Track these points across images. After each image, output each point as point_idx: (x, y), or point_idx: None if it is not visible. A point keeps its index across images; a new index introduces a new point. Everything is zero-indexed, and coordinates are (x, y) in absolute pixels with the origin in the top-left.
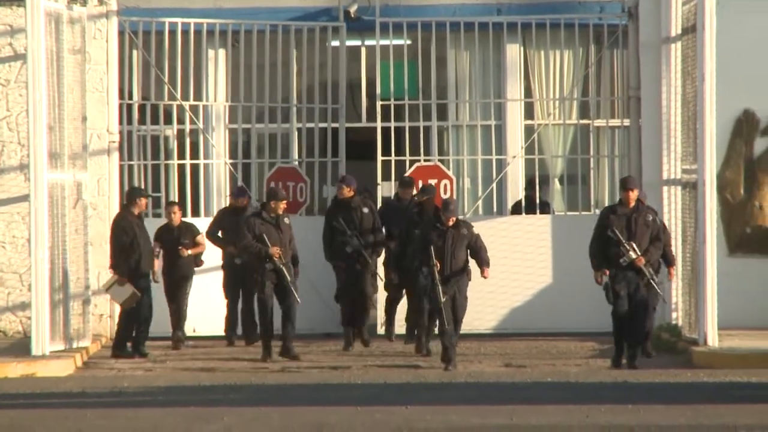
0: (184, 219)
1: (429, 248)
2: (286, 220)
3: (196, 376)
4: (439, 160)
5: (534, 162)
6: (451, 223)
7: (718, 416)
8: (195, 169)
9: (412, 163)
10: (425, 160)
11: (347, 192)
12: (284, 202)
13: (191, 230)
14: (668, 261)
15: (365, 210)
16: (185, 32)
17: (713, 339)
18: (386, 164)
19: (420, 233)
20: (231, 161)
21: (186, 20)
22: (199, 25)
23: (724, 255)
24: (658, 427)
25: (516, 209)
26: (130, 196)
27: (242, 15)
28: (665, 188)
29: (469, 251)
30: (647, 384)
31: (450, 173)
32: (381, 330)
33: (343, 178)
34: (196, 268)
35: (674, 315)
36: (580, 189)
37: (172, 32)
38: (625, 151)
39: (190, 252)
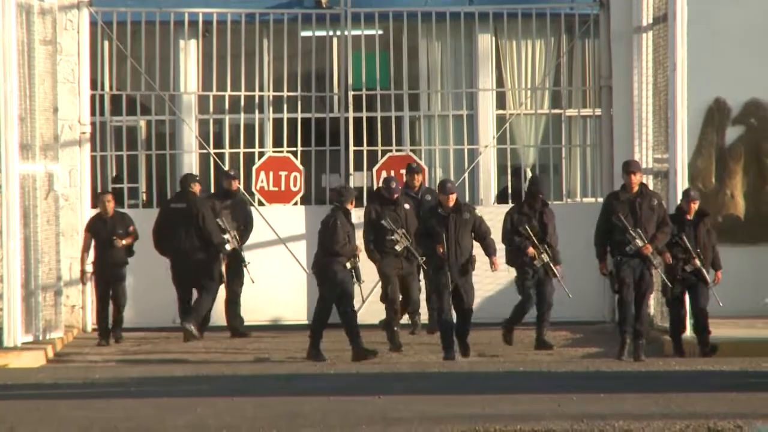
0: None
1: (435, 234)
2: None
3: (169, 367)
4: (411, 151)
5: (506, 152)
6: (451, 204)
7: (690, 405)
8: (163, 159)
9: (384, 153)
10: (397, 151)
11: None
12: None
13: (125, 220)
14: (716, 265)
15: (407, 207)
16: (157, 23)
17: (688, 328)
18: (358, 154)
19: (420, 222)
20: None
21: (158, 10)
22: (170, 15)
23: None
24: (630, 415)
25: (502, 198)
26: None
27: (214, 5)
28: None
29: (474, 235)
30: (619, 373)
31: (422, 163)
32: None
33: (389, 179)
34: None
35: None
36: (552, 179)
37: (145, 23)
38: (597, 140)
39: (124, 242)
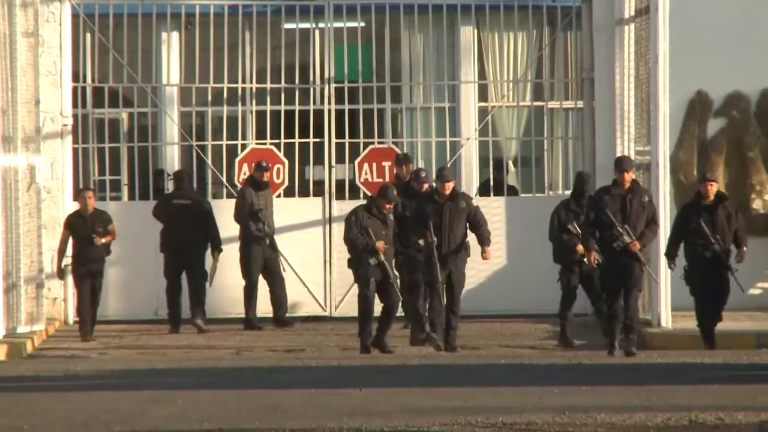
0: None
1: (426, 222)
2: (391, 217)
3: (150, 359)
4: (393, 143)
5: (488, 144)
6: (448, 191)
7: (671, 397)
8: (146, 151)
9: (366, 145)
10: (379, 143)
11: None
12: (390, 205)
13: (104, 218)
14: (738, 242)
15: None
16: (140, 15)
17: (667, 320)
18: (340, 147)
19: (415, 208)
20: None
21: (140, 2)
22: (152, 7)
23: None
24: (612, 408)
25: (484, 190)
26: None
27: None
28: None
29: (468, 225)
30: (601, 365)
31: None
32: None
33: (419, 170)
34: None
35: None
36: (534, 171)
37: (128, 15)
38: (579, 133)
39: (104, 240)
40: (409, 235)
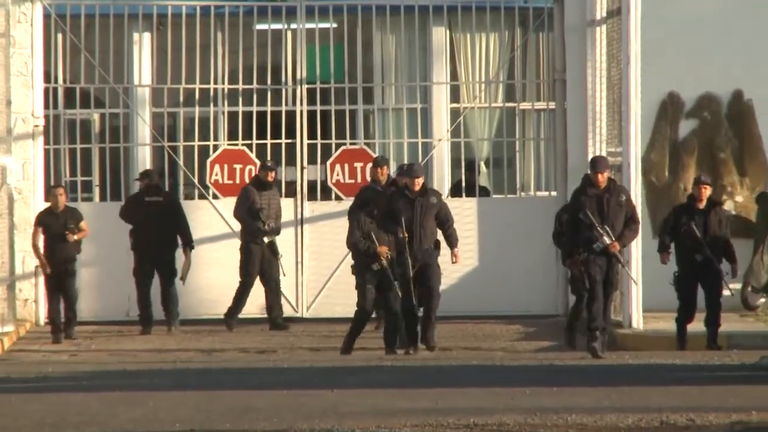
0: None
1: (398, 218)
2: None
3: (122, 361)
4: (365, 144)
5: (460, 145)
6: (418, 188)
7: (643, 398)
8: (117, 152)
9: (338, 146)
10: (351, 144)
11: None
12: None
13: (75, 215)
14: (730, 256)
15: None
16: (111, 16)
17: (638, 321)
18: (312, 148)
19: (386, 204)
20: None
21: (112, 2)
22: (124, 8)
23: (648, 237)
24: (583, 409)
25: (456, 192)
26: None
27: None
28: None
29: (436, 222)
30: (572, 366)
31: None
32: None
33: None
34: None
35: None
36: (506, 172)
37: (99, 16)
38: (551, 134)
39: (76, 237)
40: (380, 231)
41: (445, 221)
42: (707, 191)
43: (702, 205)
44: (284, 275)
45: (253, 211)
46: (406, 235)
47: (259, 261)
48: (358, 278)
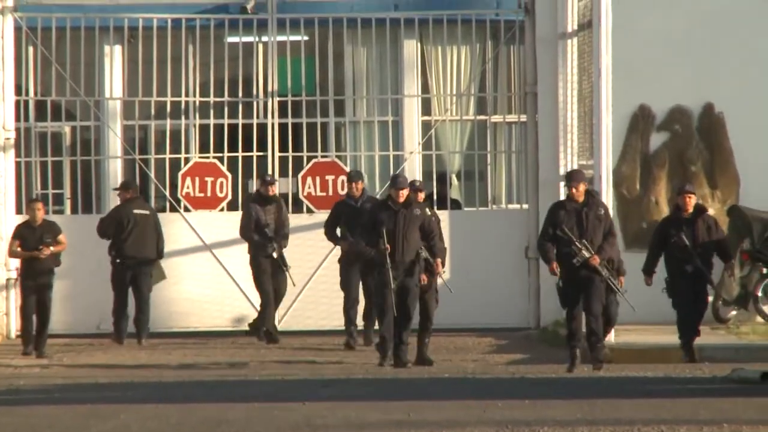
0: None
1: (379, 230)
2: (416, 212)
3: (93, 374)
4: (336, 156)
5: (431, 158)
6: (402, 199)
7: (614, 411)
8: (89, 165)
9: (309, 159)
10: (323, 156)
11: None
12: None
13: (53, 228)
14: (724, 255)
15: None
16: (83, 28)
17: (610, 334)
18: (284, 160)
19: (368, 213)
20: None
21: (83, 15)
22: (95, 21)
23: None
24: (555, 421)
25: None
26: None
27: (140, 10)
28: (562, 184)
29: (420, 234)
30: (544, 379)
31: (347, 169)
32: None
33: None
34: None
35: None
36: (477, 185)
37: (71, 29)
38: (522, 146)
39: (52, 249)
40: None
41: (428, 233)
42: (692, 200)
43: (688, 214)
44: (294, 285)
45: (259, 228)
46: (388, 246)
47: (270, 273)
48: (376, 280)
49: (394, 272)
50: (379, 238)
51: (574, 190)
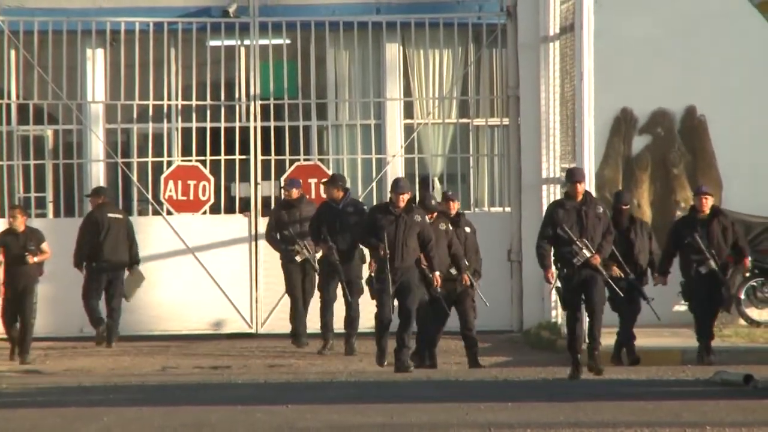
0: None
1: (379, 235)
2: (416, 218)
3: (76, 377)
4: (318, 160)
5: (414, 161)
6: (403, 204)
7: (598, 413)
8: (71, 169)
9: (292, 162)
10: (305, 160)
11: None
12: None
13: (37, 236)
14: (739, 254)
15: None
16: (65, 32)
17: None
18: (266, 164)
19: (368, 217)
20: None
21: (66, 19)
22: (78, 24)
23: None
24: (537, 424)
25: None
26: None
27: (122, 14)
28: (544, 187)
29: (418, 242)
30: (527, 381)
31: (330, 172)
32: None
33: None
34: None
35: (554, 313)
36: (459, 188)
37: (53, 32)
38: (505, 150)
39: (36, 259)
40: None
41: (426, 242)
42: (709, 201)
43: (704, 215)
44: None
45: (282, 235)
46: (387, 252)
47: (299, 277)
48: (375, 285)
49: (393, 276)
50: (379, 242)
51: (576, 187)
